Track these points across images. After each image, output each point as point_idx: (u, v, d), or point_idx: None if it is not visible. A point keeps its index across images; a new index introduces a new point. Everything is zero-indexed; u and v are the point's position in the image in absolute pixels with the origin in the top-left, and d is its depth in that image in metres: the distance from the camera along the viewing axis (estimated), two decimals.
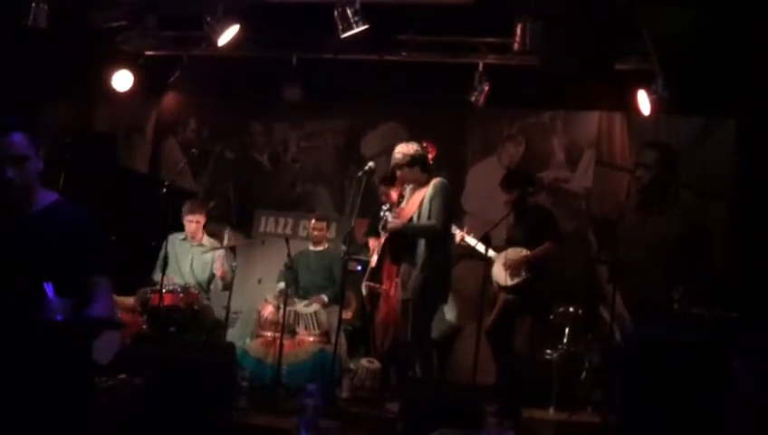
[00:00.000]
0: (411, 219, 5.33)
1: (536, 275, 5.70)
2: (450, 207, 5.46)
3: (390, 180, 6.15)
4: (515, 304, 5.77)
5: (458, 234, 6.05)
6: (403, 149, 5.36)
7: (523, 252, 5.72)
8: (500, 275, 5.78)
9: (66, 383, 2.52)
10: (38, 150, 2.72)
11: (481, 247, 5.72)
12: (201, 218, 6.56)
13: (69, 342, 2.51)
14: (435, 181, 5.30)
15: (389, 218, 5.38)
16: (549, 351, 6.14)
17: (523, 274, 5.68)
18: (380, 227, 5.56)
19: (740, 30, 4.52)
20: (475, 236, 6.00)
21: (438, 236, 5.25)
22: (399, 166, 5.36)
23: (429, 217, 5.22)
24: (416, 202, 5.34)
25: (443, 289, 5.38)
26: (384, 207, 5.65)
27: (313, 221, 6.82)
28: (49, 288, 2.52)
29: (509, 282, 5.73)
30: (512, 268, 5.73)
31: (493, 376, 5.86)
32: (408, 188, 5.46)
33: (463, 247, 6.11)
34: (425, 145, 5.47)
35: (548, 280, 5.84)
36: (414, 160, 5.33)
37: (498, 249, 5.86)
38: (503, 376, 5.75)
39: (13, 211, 2.71)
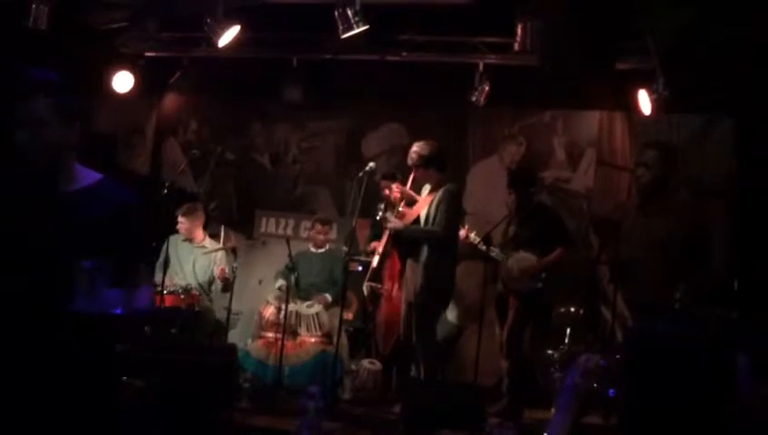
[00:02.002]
0: (418, 219, 5.33)
1: (547, 281, 5.70)
2: (457, 214, 5.44)
3: (393, 176, 6.15)
4: (526, 308, 5.76)
5: (462, 232, 6.03)
6: (418, 150, 5.34)
7: (531, 258, 5.68)
8: (514, 282, 5.73)
9: (95, 379, 2.33)
10: (68, 120, 2.33)
11: (483, 247, 5.71)
12: (193, 220, 6.48)
13: (120, 335, 2.37)
14: (445, 187, 5.29)
15: (390, 218, 5.37)
16: (550, 351, 6.13)
17: (539, 282, 5.67)
18: (380, 223, 5.56)
19: (740, 29, 4.52)
20: (477, 236, 5.99)
21: (440, 241, 5.23)
22: (415, 166, 5.36)
23: (433, 222, 5.21)
24: (424, 203, 5.33)
25: (445, 293, 5.36)
26: (380, 207, 5.64)
27: (318, 226, 6.72)
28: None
29: (523, 289, 5.71)
30: (526, 276, 5.70)
31: (494, 377, 5.84)
32: (425, 187, 5.46)
33: (465, 247, 6.09)
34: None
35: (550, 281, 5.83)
36: (428, 161, 5.32)
37: (500, 247, 5.85)
38: (516, 375, 5.75)
39: (47, 190, 2.34)
